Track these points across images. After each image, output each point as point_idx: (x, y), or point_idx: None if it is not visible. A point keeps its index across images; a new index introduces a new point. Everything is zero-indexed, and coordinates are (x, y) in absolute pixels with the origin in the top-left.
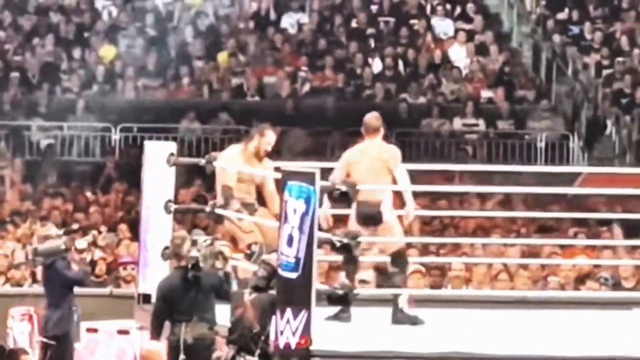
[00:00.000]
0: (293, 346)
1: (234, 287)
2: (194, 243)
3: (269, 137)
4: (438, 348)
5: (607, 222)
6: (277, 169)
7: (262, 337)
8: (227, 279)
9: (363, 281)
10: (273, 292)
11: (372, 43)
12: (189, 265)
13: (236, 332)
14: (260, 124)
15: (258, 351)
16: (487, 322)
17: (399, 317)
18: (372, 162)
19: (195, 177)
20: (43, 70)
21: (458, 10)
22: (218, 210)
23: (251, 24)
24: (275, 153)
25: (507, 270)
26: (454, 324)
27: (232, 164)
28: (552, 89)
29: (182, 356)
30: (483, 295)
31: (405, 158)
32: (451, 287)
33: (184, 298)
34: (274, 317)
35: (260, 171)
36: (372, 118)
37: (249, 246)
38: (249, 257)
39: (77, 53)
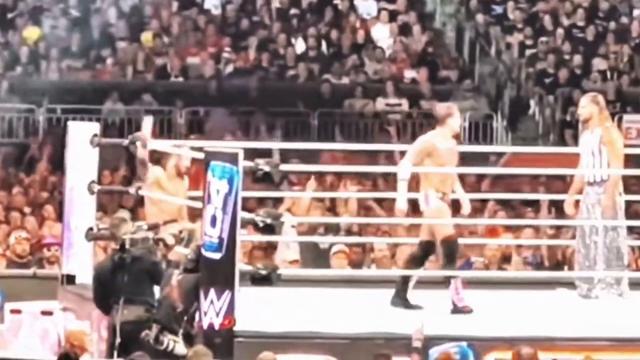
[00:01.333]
0: (217, 327)
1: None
2: (134, 227)
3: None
4: (359, 328)
5: (532, 202)
6: (200, 150)
7: (185, 317)
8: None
9: (295, 261)
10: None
11: (296, 23)
12: (118, 247)
13: (160, 312)
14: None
15: (181, 331)
16: (413, 301)
17: (397, 302)
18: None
19: (120, 158)
20: None
21: None
22: (142, 192)
23: (174, 5)
24: (199, 133)
25: None
26: (376, 304)
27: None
28: (475, 69)
29: (117, 339)
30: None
31: (329, 138)
32: (376, 267)
33: (113, 281)
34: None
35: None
36: (438, 107)
37: (179, 231)
38: (180, 241)
39: (0, 34)
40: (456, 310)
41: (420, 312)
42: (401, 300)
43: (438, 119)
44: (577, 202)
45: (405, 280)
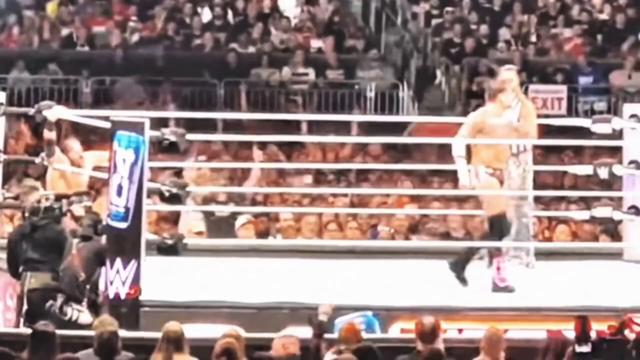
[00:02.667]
0: (123, 296)
1: None
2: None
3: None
4: (266, 298)
5: (438, 172)
6: (106, 119)
7: (88, 286)
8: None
9: (200, 232)
10: (99, 240)
11: None
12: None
13: (64, 281)
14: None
15: (85, 300)
16: (316, 271)
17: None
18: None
19: (25, 127)
20: None
21: None
22: (47, 163)
23: None
24: (106, 102)
25: (337, 220)
26: (282, 273)
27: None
28: (381, 39)
29: (25, 306)
30: (313, 244)
31: (235, 108)
32: (281, 236)
33: (21, 248)
34: (100, 267)
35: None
36: (491, 82)
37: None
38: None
39: None
40: (497, 289)
41: (465, 288)
42: (459, 269)
43: (490, 93)
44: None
45: (472, 252)
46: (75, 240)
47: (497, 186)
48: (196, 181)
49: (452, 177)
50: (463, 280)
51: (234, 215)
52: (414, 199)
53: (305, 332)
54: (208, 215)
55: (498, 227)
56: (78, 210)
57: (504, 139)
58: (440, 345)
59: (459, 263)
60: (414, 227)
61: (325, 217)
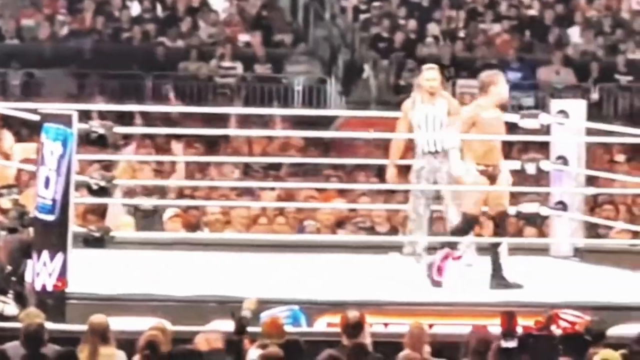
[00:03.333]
0: (49, 288)
1: None
2: None
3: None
4: (192, 291)
5: (365, 167)
6: (34, 111)
7: (14, 278)
8: None
9: (126, 225)
10: (25, 233)
11: None
12: None
13: None
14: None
15: (11, 292)
16: (244, 265)
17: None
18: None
19: None
20: None
21: None
22: None
23: None
24: (35, 94)
25: (267, 214)
26: (210, 267)
27: None
28: (309, 33)
29: None
30: (241, 238)
31: (163, 101)
32: (209, 230)
33: None
34: (27, 259)
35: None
36: (481, 75)
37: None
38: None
39: None
40: (432, 282)
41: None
42: (501, 280)
43: (481, 87)
44: (400, 170)
45: (495, 260)
46: (2, 233)
47: (484, 184)
48: (127, 173)
49: (378, 172)
50: (513, 285)
51: (162, 209)
52: (341, 193)
53: (232, 325)
54: (136, 208)
55: (465, 224)
56: (5, 202)
57: (498, 134)
58: (367, 339)
59: (496, 274)
60: (341, 222)
61: (255, 211)
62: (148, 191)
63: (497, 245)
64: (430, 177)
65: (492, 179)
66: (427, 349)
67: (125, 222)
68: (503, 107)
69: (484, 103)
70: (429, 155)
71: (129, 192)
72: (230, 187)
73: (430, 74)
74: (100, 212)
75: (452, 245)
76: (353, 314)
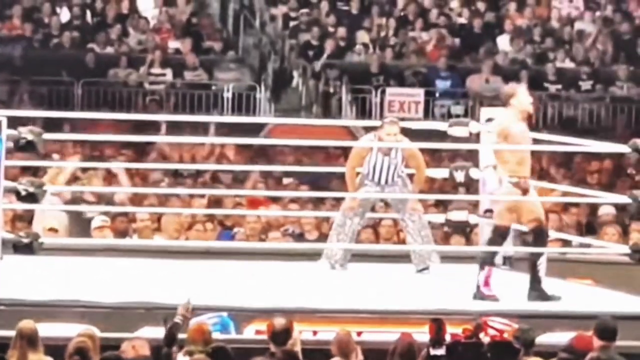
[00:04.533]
0: None
1: None
2: None
3: None
4: (121, 298)
5: (294, 174)
6: None
7: None
8: None
9: (52, 229)
10: None
11: None
12: None
13: None
14: None
15: None
16: (173, 272)
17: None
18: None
19: None
20: None
21: None
22: None
23: None
24: None
25: (201, 221)
26: (139, 273)
27: None
28: (239, 41)
29: None
30: (170, 245)
31: (92, 107)
32: (138, 236)
33: None
34: None
35: None
36: (502, 89)
37: None
38: None
39: None
40: (480, 296)
41: (557, 302)
42: (539, 293)
43: (504, 101)
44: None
45: (534, 273)
46: None
47: (517, 195)
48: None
49: (307, 179)
50: (552, 298)
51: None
52: (270, 200)
53: (160, 332)
54: (75, 215)
55: (497, 237)
56: None
57: (528, 145)
58: (297, 346)
59: (535, 287)
60: (269, 229)
61: (185, 218)
62: (97, 199)
63: (537, 257)
64: (368, 205)
65: (524, 190)
66: (359, 356)
67: (51, 226)
68: (528, 118)
69: (509, 116)
70: (376, 185)
71: (74, 200)
72: (159, 194)
73: (391, 129)
74: (29, 218)
75: (489, 260)
76: (279, 322)
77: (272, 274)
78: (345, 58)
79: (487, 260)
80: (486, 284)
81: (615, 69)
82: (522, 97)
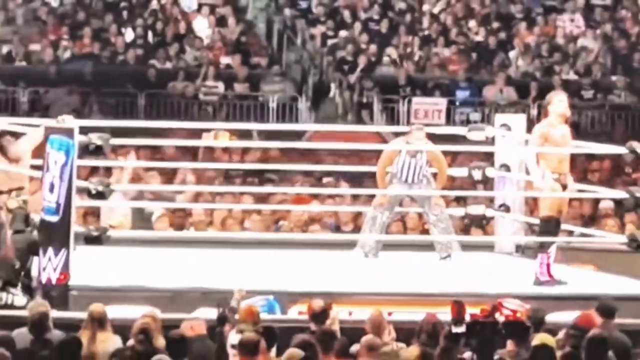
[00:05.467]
0: (54, 281)
1: None
2: None
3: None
4: (180, 283)
5: (332, 173)
6: (40, 127)
7: (22, 273)
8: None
9: (119, 224)
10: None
11: (125, 15)
12: None
13: (2, 269)
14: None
15: (20, 284)
16: (225, 260)
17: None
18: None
19: None
20: None
21: None
22: None
23: None
24: (41, 111)
25: (248, 215)
26: (195, 262)
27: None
28: (283, 57)
29: None
30: (224, 236)
31: (154, 116)
32: (194, 229)
33: None
34: (33, 256)
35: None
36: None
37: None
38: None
39: None
40: (537, 282)
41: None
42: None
43: (546, 107)
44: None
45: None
46: (9, 232)
47: (559, 189)
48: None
49: (344, 178)
50: (558, 282)
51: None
52: (311, 197)
53: (214, 313)
54: (138, 211)
55: (546, 227)
56: (12, 203)
57: (565, 147)
58: (335, 325)
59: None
60: (310, 222)
61: (237, 213)
62: (154, 196)
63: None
64: (397, 201)
65: (564, 186)
66: (392, 333)
67: (117, 221)
68: (566, 121)
69: (549, 121)
70: (403, 183)
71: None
72: (213, 192)
73: (418, 135)
74: (99, 213)
75: (543, 249)
76: (317, 303)
77: (313, 262)
78: (376, 71)
79: (541, 250)
80: (543, 271)
81: (614, 80)
82: (556, 103)
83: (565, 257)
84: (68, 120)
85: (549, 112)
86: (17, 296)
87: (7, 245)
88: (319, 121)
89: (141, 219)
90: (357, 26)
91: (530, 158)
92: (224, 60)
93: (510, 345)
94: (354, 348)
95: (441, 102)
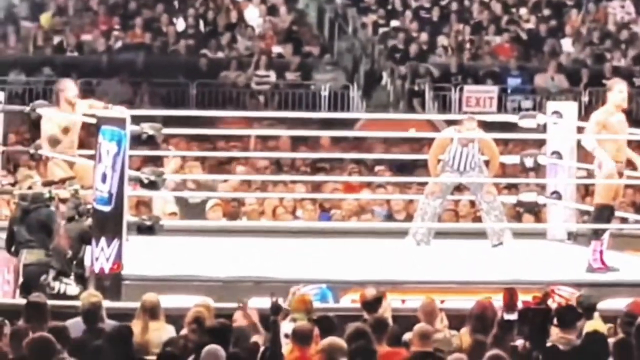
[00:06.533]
0: (107, 271)
1: None
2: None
3: (71, 89)
4: (232, 272)
5: (383, 162)
6: (92, 115)
7: (75, 262)
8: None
9: (173, 213)
10: (82, 221)
11: (176, 4)
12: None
13: (54, 258)
14: (80, 78)
15: (73, 274)
16: (277, 249)
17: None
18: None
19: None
20: None
21: None
22: (41, 151)
23: None
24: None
25: (296, 204)
26: (247, 251)
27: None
28: (334, 45)
29: (20, 279)
30: (276, 226)
31: (206, 106)
32: (247, 219)
33: (18, 229)
34: (85, 245)
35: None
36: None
37: (63, 181)
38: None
39: None
40: (590, 269)
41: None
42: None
43: (606, 94)
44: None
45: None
46: (62, 222)
47: (616, 177)
48: (176, 170)
49: (395, 166)
50: (611, 269)
51: (204, 202)
52: (363, 185)
53: (267, 302)
54: (183, 200)
55: (600, 214)
56: (65, 193)
57: (623, 135)
58: (387, 313)
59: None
60: (361, 211)
61: (288, 202)
62: (198, 186)
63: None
64: (449, 189)
65: (620, 174)
66: (445, 321)
67: (170, 211)
68: (624, 110)
69: (607, 108)
70: (455, 171)
71: (179, 186)
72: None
73: (470, 125)
74: (151, 203)
75: (596, 236)
76: (370, 292)
77: (365, 250)
78: (427, 60)
79: (594, 237)
80: (596, 258)
81: None
82: (616, 92)
83: (618, 244)
84: (120, 111)
85: (608, 100)
86: (70, 285)
87: (60, 234)
88: (371, 110)
89: (186, 208)
90: (408, 14)
91: (591, 143)
92: (276, 49)
93: (556, 332)
94: (407, 336)
95: (493, 90)
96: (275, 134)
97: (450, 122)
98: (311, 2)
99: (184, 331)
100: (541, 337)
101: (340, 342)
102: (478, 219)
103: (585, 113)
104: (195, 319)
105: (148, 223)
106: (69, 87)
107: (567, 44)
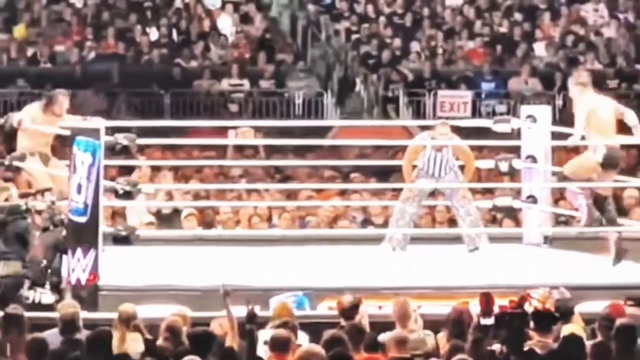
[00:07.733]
0: (83, 282)
1: None
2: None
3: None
4: (209, 282)
5: (358, 169)
6: (65, 128)
7: (50, 270)
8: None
9: (150, 223)
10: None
11: (149, 14)
12: None
13: (30, 269)
14: (54, 89)
15: (48, 283)
16: (253, 258)
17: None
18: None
19: None
20: None
21: None
22: (15, 163)
23: (43, 0)
24: (68, 112)
25: (280, 212)
26: (223, 260)
27: (32, 118)
28: (307, 53)
29: None
30: (252, 234)
31: (180, 115)
32: (222, 227)
33: None
34: (59, 254)
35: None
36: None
37: (42, 192)
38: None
39: None
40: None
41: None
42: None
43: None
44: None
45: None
46: (37, 232)
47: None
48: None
49: (370, 173)
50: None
51: (177, 211)
52: (338, 192)
53: (243, 311)
54: (158, 211)
55: (600, 206)
56: (40, 205)
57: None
58: (364, 319)
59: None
60: (337, 218)
61: (262, 210)
62: (169, 196)
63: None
64: (424, 194)
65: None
66: (419, 321)
67: (147, 220)
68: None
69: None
70: (430, 177)
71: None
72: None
73: (443, 129)
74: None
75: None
76: (348, 299)
77: (341, 257)
78: (401, 65)
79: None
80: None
81: (638, 69)
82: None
83: (595, 246)
84: (93, 121)
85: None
86: (45, 294)
87: (35, 245)
88: (345, 116)
89: (159, 219)
90: (381, 20)
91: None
92: (249, 57)
93: (534, 335)
94: (383, 337)
95: (467, 95)
96: (250, 143)
97: (424, 128)
98: (284, 10)
99: (159, 340)
100: (518, 341)
101: (318, 349)
102: (454, 224)
103: (559, 117)
104: (168, 328)
105: (124, 233)
106: (61, 100)
107: (540, 48)
